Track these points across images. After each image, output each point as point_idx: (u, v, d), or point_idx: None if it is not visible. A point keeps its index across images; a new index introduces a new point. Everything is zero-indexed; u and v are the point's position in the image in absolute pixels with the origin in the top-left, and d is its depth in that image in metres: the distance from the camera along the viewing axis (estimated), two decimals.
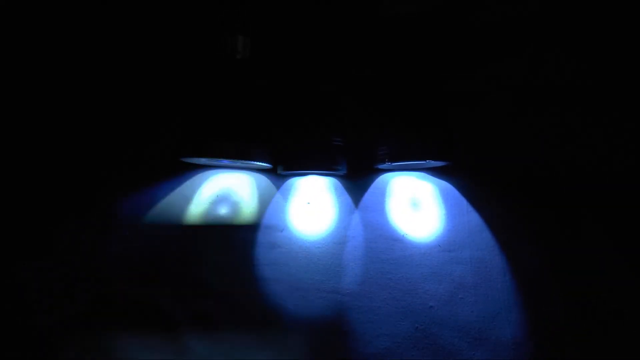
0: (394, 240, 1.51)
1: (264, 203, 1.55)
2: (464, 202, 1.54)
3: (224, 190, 1.56)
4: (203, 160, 1.51)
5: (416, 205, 1.55)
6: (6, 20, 1.56)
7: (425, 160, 1.44)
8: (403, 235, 1.51)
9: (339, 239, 1.51)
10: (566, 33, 1.60)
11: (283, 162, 1.51)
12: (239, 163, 1.54)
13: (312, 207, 1.55)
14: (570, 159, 1.55)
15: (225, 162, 1.56)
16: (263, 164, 1.46)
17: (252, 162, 1.44)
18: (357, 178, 1.59)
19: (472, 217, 1.52)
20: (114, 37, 1.61)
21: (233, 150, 1.39)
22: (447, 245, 1.49)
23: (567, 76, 1.59)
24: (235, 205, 1.54)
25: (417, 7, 1.50)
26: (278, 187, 1.58)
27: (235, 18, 1.51)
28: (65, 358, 1.37)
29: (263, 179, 1.59)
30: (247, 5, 1.53)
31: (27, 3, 1.56)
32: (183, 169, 1.56)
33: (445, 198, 1.56)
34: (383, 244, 1.50)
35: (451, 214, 1.53)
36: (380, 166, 1.54)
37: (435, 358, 1.38)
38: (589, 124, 1.56)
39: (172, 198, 1.53)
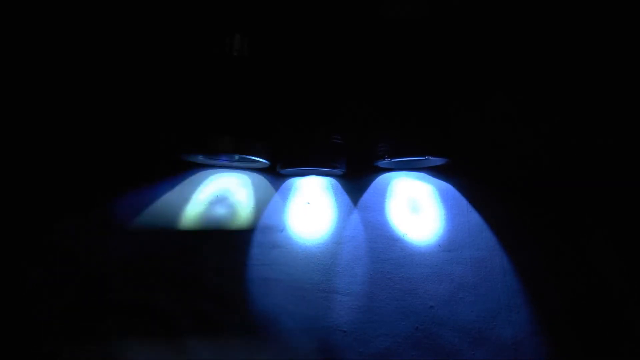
0: (394, 240, 1.50)
1: (264, 203, 1.55)
2: (464, 202, 1.54)
3: (223, 191, 1.56)
4: (201, 158, 1.51)
5: (416, 205, 1.55)
6: (6, 20, 1.55)
7: (424, 157, 1.44)
8: (403, 235, 1.51)
9: (338, 239, 1.51)
10: (567, 33, 1.60)
11: (282, 159, 1.51)
12: (236, 161, 1.54)
13: (312, 207, 1.55)
14: (570, 160, 1.55)
15: (223, 160, 1.55)
16: (261, 160, 1.46)
17: (250, 158, 1.44)
18: (357, 178, 1.59)
19: (472, 217, 1.52)
20: (112, 36, 1.60)
21: (231, 145, 1.39)
22: (447, 245, 1.49)
23: (568, 76, 1.59)
24: (234, 206, 1.54)
25: (417, 13, 1.50)
26: (278, 187, 1.58)
27: (233, 16, 1.50)
28: (65, 357, 1.36)
29: (262, 179, 1.59)
30: (246, 4, 1.53)
31: (27, 3, 1.56)
32: (182, 169, 1.55)
33: (445, 198, 1.56)
34: (383, 244, 1.50)
35: (451, 214, 1.53)
36: (380, 164, 1.54)
37: (435, 358, 1.38)
38: (590, 125, 1.56)
39: (170, 198, 1.53)
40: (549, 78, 1.60)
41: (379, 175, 1.60)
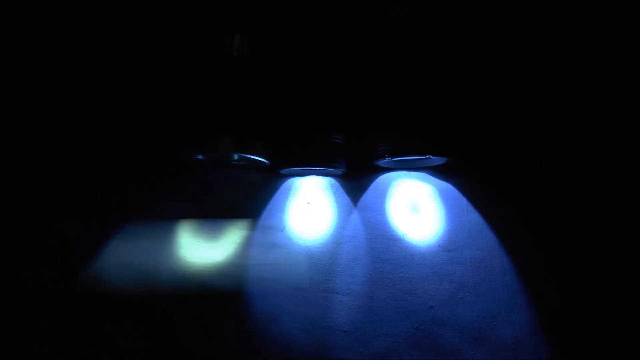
0: (394, 240, 1.50)
1: (264, 203, 1.55)
2: (464, 202, 1.54)
3: (223, 191, 1.56)
4: (200, 158, 1.51)
5: (416, 205, 1.55)
6: (6, 20, 1.55)
7: (424, 156, 1.44)
8: (403, 235, 1.51)
9: (338, 239, 1.50)
10: (567, 33, 1.60)
11: (282, 159, 1.51)
12: (236, 160, 1.54)
13: (312, 207, 1.55)
14: (570, 160, 1.55)
15: (223, 159, 1.55)
16: (261, 159, 1.46)
17: (250, 157, 1.44)
18: (357, 178, 1.59)
19: (472, 217, 1.52)
20: (113, 36, 1.60)
21: (231, 145, 1.39)
22: (447, 245, 1.49)
23: (567, 76, 1.59)
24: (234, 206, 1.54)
25: (417, 13, 1.50)
26: (278, 187, 1.58)
27: (233, 16, 1.50)
28: (64, 357, 1.36)
29: (262, 179, 1.58)
30: (246, 4, 1.53)
31: (27, 3, 1.55)
32: (182, 169, 1.55)
33: (445, 198, 1.56)
34: (383, 244, 1.50)
35: (451, 214, 1.53)
36: (380, 163, 1.54)
37: (435, 358, 1.38)
38: (590, 125, 1.56)
39: (171, 197, 1.53)
40: (549, 78, 1.60)
41: (379, 175, 1.60)
